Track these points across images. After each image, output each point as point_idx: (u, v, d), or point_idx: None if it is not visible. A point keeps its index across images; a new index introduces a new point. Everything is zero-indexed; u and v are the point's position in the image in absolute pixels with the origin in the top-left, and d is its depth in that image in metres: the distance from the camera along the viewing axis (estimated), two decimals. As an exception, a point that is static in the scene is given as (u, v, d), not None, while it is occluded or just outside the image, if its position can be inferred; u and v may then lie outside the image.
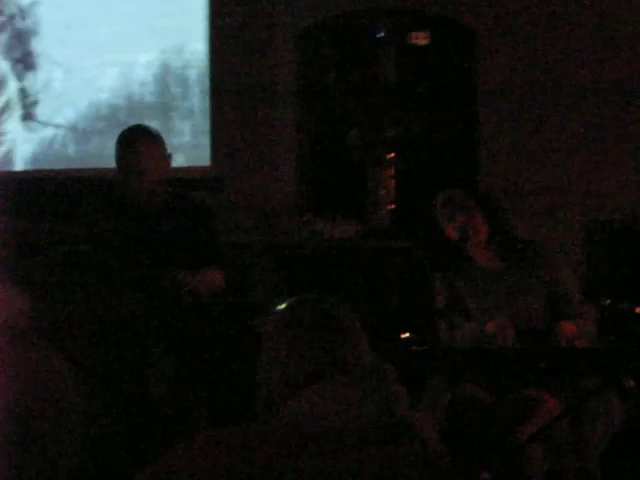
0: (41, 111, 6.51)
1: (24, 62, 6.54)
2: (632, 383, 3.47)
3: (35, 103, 6.52)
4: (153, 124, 4.16)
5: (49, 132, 6.51)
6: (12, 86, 6.48)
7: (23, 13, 6.54)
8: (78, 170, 6.40)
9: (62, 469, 1.80)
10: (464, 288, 3.76)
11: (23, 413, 1.74)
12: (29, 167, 6.51)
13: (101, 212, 3.97)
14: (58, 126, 6.49)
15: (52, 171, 6.46)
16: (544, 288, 3.75)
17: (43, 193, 6.23)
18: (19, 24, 6.54)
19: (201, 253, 3.89)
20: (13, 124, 6.48)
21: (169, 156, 3.96)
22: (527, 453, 3.41)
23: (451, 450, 2.77)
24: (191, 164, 6.31)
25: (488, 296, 3.77)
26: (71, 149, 6.51)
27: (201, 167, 6.31)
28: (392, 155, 5.95)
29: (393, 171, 5.93)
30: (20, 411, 1.75)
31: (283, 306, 2.04)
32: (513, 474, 3.41)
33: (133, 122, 4.15)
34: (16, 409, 1.74)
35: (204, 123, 6.34)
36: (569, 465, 3.47)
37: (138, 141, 3.87)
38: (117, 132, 4.01)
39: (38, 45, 6.51)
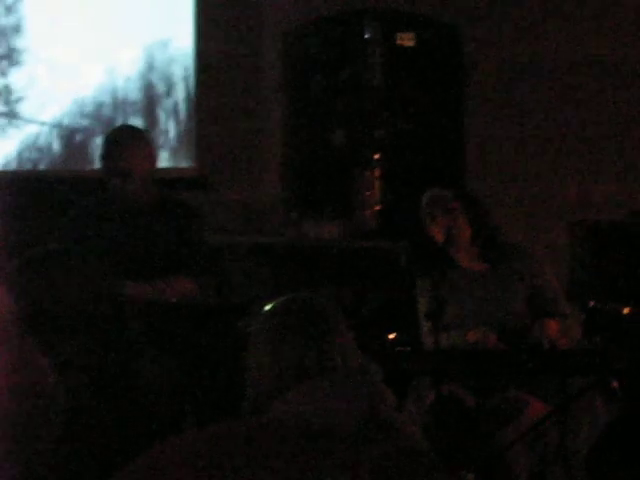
0: (25, 108, 6.49)
1: (8, 59, 6.51)
2: (616, 384, 3.48)
3: (19, 100, 6.49)
4: (137, 121, 4.15)
5: (33, 129, 6.48)
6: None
7: (7, 9, 6.52)
8: (63, 170, 6.37)
9: (39, 464, 1.79)
10: (447, 290, 3.76)
11: (2, 409, 1.73)
12: (12, 166, 6.48)
13: (85, 212, 3.94)
14: (42, 123, 6.46)
15: (36, 171, 6.43)
16: (526, 290, 3.75)
17: (27, 192, 6.20)
18: (2, 20, 6.52)
19: (185, 256, 3.85)
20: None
21: (155, 156, 3.93)
22: (511, 455, 3.42)
23: (435, 451, 2.76)
24: (175, 162, 6.29)
25: (471, 298, 3.77)
26: (55, 146, 6.48)
27: (186, 167, 6.29)
28: (378, 156, 5.95)
29: (379, 172, 5.92)
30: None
31: (269, 307, 2.04)
32: (498, 475, 3.41)
33: (118, 119, 4.13)
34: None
35: (189, 121, 6.32)
36: (554, 466, 3.47)
37: (124, 141, 3.83)
38: (102, 129, 3.99)
39: (22, 41, 6.48)
